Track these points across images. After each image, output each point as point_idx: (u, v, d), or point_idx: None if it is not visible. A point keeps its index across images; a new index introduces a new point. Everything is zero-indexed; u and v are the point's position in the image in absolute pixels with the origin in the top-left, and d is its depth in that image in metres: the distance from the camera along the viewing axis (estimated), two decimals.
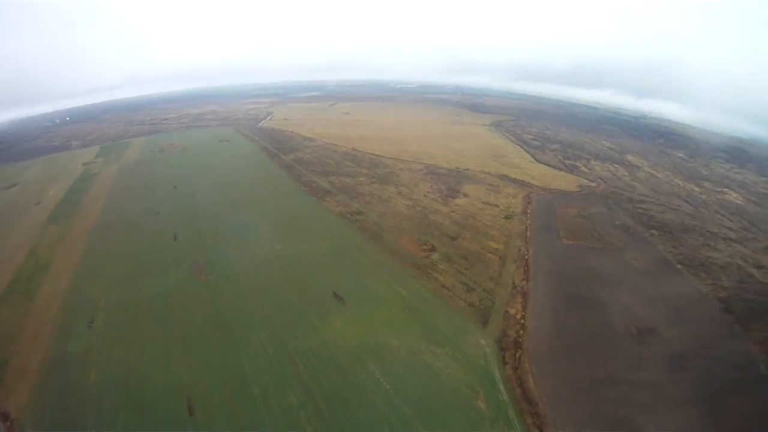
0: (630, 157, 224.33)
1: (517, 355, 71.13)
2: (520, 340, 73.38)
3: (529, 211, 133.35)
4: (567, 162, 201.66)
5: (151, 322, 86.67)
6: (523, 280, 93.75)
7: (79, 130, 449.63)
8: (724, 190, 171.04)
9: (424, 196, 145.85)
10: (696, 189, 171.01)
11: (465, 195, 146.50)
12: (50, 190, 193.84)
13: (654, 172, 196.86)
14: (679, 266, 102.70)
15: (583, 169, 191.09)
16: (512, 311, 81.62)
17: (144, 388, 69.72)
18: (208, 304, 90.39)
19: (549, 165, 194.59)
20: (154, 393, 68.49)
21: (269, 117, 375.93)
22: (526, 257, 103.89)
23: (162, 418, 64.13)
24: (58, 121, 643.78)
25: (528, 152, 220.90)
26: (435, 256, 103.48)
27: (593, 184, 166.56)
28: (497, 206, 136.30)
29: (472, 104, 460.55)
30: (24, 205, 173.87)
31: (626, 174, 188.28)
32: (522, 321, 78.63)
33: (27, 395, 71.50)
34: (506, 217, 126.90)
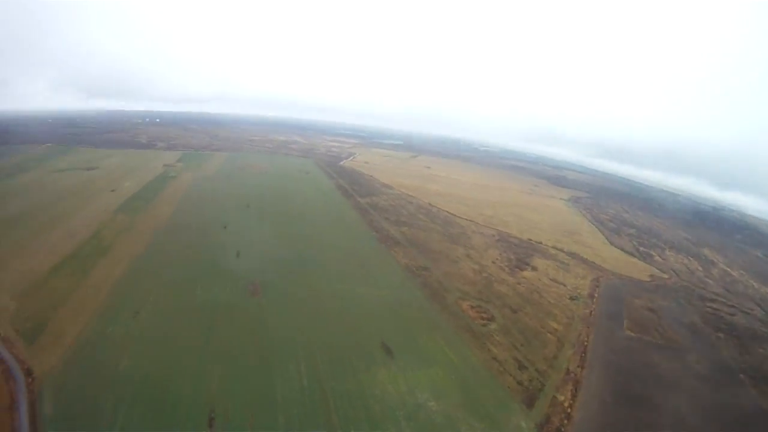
0: (706, 251, 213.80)
1: None
2: (563, 430, 72.15)
3: (596, 295, 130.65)
4: (641, 249, 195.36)
5: (194, 328, 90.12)
6: (578, 366, 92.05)
7: (165, 132, 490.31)
8: None
9: (492, 262, 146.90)
10: None
11: (534, 268, 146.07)
12: (127, 181, 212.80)
13: (729, 269, 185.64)
14: (741, 376, 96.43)
15: (657, 258, 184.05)
16: (561, 398, 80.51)
17: (169, 389, 71.34)
18: (254, 325, 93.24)
19: (623, 249, 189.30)
20: (179, 396, 69.74)
21: (351, 157, 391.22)
22: (585, 343, 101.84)
23: (180, 422, 64.69)
24: (147, 120, 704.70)
25: (603, 233, 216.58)
26: (493, 326, 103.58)
27: (665, 276, 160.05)
28: (564, 285, 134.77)
29: (552, 176, 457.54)
30: (99, 190, 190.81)
31: (700, 268, 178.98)
32: (569, 410, 77.34)
33: (56, 360, 76.35)
34: (572, 298, 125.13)
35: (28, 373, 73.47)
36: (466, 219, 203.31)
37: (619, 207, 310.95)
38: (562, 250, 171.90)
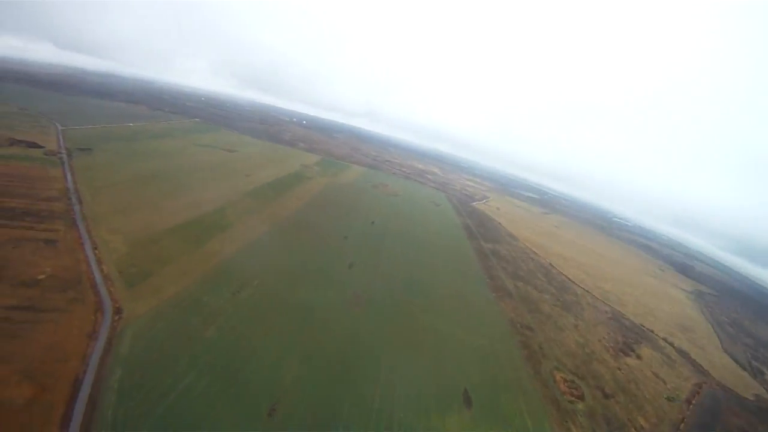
0: None
1: None
2: None
3: (694, 401, 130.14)
4: (754, 363, 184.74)
5: (288, 322, 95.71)
6: None
7: (309, 135, 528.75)
8: None
9: (599, 340, 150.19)
10: None
11: (638, 356, 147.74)
12: (262, 170, 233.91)
13: None
14: None
15: None
16: None
17: (243, 370, 76.21)
18: (345, 335, 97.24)
19: (734, 359, 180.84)
20: (249, 379, 74.49)
21: (484, 200, 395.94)
22: None
23: (242, 404, 69.04)
24: (295, 120, 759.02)
25: (719, 336, 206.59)
26: (580, 405, 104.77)
27: None
28: (665, 382, 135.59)
29: (679, 263, 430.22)
30: (234, 171, 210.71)
31: None
32: None
33: (147, 309, 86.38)
34: (668, 399, 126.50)
35: (118, 311, 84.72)
36: (583, 288, 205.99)
37: (743, 311, 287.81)
38: (672, 344, 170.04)
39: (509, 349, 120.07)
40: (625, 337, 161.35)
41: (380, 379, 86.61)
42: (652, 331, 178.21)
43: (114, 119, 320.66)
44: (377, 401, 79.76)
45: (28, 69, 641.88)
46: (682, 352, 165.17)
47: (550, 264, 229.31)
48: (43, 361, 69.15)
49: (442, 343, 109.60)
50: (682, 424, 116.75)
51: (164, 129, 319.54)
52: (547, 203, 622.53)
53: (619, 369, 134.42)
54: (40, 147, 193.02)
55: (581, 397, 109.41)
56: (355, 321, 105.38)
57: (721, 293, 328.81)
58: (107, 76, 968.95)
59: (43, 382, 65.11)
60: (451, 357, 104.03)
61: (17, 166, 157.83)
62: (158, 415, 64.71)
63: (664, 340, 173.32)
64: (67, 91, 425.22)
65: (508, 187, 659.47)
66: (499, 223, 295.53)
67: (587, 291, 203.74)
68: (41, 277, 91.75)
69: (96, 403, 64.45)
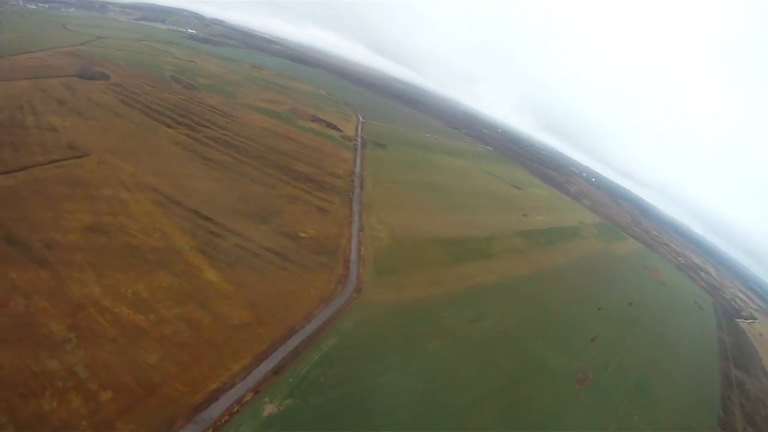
0: None
1: None
2: None
3: None
4: None
5: (507, 369, 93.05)
6: None
7: (595, 194, 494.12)
8: None
9: None
10: None
11: None
12: (540, 215, 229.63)
13: None
14: None
15: None
16: None
17: (439, 393, 76.95)
18: (552, 411, 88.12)
19: None
20: (440, 404, 75.25)
21: (750, 321, 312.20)
22: None
23: (430, 417, 70.86)
24: (584, 174, 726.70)
25: None
26: None
27: None
28: None
29: None
30: (512, 207, 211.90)
31: None
32: None
33: (383, 300, 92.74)
34: None
35: (357, 290, 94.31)
36: None
37: None
38: None
39: None
40: None
41: None
42: None
43: (411, 125, 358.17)
44: None
45: (340, 63, 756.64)
46: None
47: None
48: (272, 300, 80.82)
49: None
50: None
51: (456, 148, 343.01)
52: None
53: None
54: (339, 130, 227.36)
55: None
56: (568, 399, 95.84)
57: None
58: (410, 85, 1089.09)
59: (262, 316, 76.13)
60: None
61: (314, 139, 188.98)
62: (343, 393, 68.47)
63: None
64: (372, 90, 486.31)
65: None
66: (757, 351, 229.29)
67: None
68: (303, 235, 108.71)
69: (297, 354, 71.64)
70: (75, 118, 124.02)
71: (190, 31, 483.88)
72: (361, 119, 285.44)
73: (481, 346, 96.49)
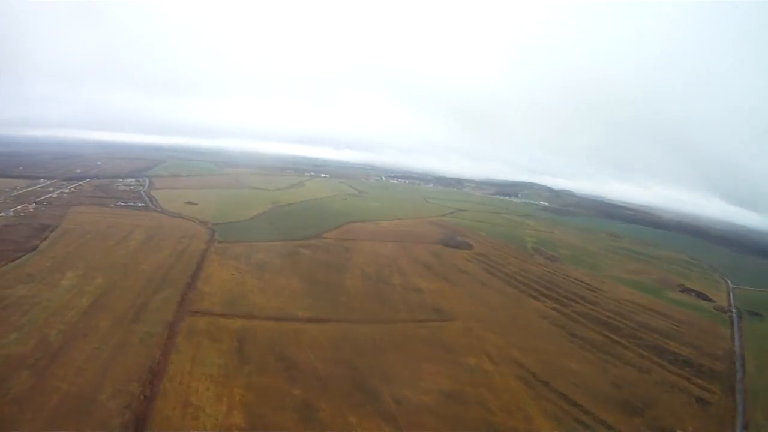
0: None
1: None
2: None
3: None
4: None
5: None
6: None
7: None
8: None
9: None
10: None
11: None
12: None
13: None
14: None
15: None
16: None
17: None
18: None
19: None
20: None
21: None
22: None
23: None
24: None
25: None
26: None
27: None
28: None
29: None
30: None
31: None
32: None
33: None
34: None
35: None
36: None
37: None
38: None
39: None
40: None
41: None
42: None
43: None
44: None
45: (698, 222, 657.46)
46: None
47: None
48: None
49: None
50: None
51: None
52: None
53: None
54: (710, 300, 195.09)
55: None
56: None
57: None
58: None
59: None
60: None
61: (686, 314, 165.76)
62: None
63: None
64: (735, 248, 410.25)
65: None
66: None
67: None
68: (678, 431, 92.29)
69: None
70: (440, 282, 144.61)
71: (542, 203, 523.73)
72: (730, 284, 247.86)
73: None
